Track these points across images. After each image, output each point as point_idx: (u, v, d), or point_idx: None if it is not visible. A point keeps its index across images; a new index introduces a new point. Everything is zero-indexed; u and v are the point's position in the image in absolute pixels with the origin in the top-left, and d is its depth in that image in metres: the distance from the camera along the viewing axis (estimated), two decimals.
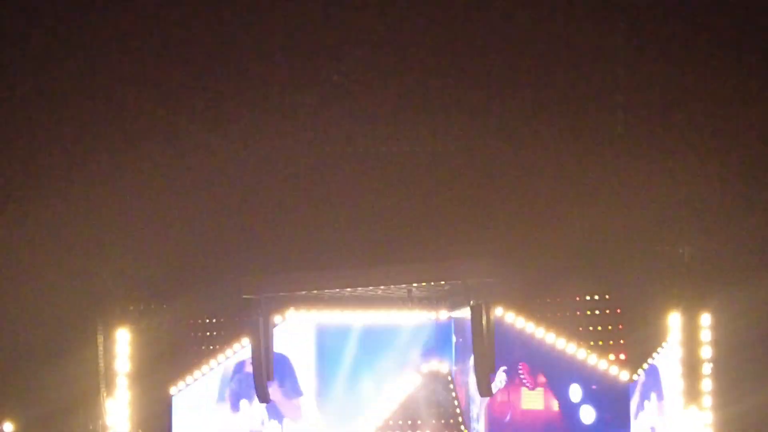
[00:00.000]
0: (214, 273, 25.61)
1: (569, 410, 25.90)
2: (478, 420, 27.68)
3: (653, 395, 25.28)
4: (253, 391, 27.96)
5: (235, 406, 28.92)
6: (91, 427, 26.70)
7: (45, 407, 26.36)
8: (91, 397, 25.74)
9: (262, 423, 28.42)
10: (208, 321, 29.07)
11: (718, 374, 22.98)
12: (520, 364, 26.72)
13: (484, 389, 25.71)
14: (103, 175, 25.00)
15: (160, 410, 27.72)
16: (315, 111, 25.89)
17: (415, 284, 26.64)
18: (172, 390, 28.47)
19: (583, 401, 25.69)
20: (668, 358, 24.07)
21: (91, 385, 25.51)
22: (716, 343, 23.03)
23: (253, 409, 28.49)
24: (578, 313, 26.44)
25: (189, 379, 28.59)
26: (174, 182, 25.60)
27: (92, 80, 25.69)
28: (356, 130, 25.46)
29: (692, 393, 22.69)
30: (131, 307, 25.97)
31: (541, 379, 26.43)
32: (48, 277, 24.93)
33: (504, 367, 26.80)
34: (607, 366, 25.60)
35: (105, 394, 25.20)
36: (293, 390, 28.30)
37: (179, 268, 25.68)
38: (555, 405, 26.19)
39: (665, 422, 24.45)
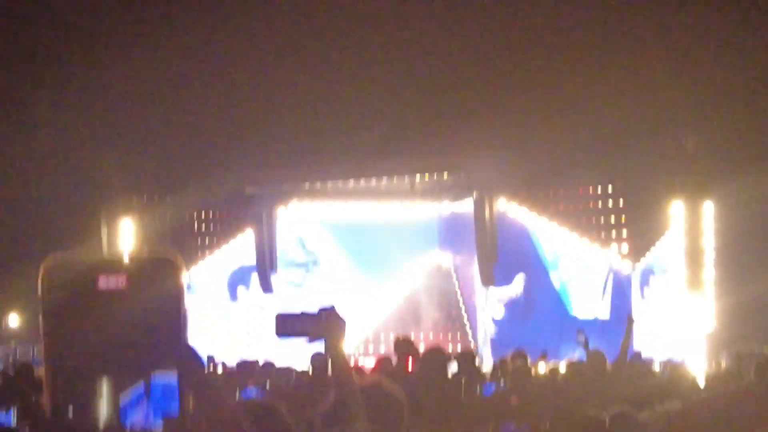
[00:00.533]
0: (217, 166, 25.58)
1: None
2: (483, 310, 27.85)
3: (655, 284, 25.41)
4: (250, 279, 28.20)
5: (233, 295, 29.14)
6: None
7: None
8: None
9: (262, 308, 28.63)
10: (211, 214, 29.21)
11: (720, 263, 23.05)
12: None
13: (487, 279, 25.87)
14: (107, 67, 24.82)
15: None
16: None
17: (418, 176, 26.66)
18: None
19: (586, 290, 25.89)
20: (670, 247, 24.12)
21: None
22: (718, 232, 23.07)
23: (250, 295, 28.71)
24: (581, 204, 26.52)
25: (193, 269, 28.74)
26: (177, 74, 25.45)
27: None
28: (362, 17, 25.22)
29: (694, 282, 22.76)
30: (134, 199, 25.99)
31: None
32: (52, 170, 24.91)
33: (523, 274, 27.06)
34: (610, 256, 25.72)
35: None
36: None
37: (182, 161, 25.66)
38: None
39: (667, 311, 24.56)
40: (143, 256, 1.76)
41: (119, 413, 1.71)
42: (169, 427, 1.68)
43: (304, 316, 4.91)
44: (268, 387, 11.46)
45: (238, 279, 28.98)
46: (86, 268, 1.75)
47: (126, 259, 1.78)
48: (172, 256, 1.73)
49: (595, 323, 24.36)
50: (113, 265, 1.75)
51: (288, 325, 4.88)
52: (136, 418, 1.70)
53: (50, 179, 24.65)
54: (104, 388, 1.72)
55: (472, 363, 11.55)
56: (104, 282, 1.76)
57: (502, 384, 5.26)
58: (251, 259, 27.88)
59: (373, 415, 4.63)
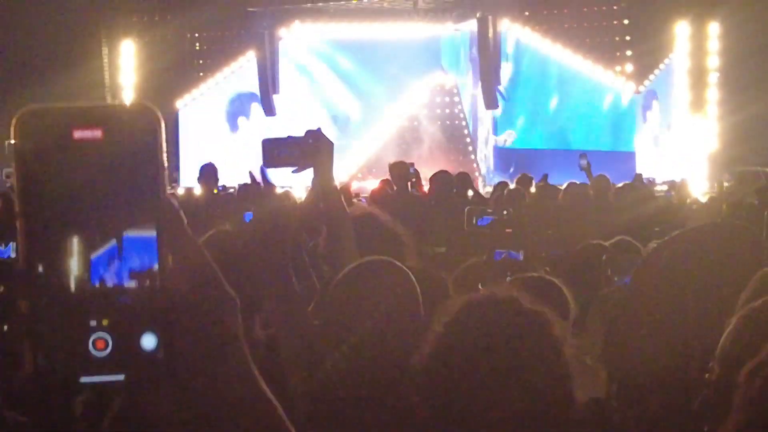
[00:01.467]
0: None
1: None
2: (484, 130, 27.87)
3: (657, 106, 25.37)
4: (250, 109, 28.18)
5: (233, 126, 29.12)
6: None
7: None
8: None
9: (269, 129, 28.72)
10: (213, 33, 28.97)
11: (724, 83, 22.95)
12: None
13: (490, 101, 25.80)
14: None
15: (166, 123, 27.77)
16: None
17: None
18: (178, 103, 28.61)
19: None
20: (674, 68, 23.98)
21: (97, 97, 25.52)
22: (723, 53, 22.90)
23: (250, 125, 28.68)
24: (585, 24, 26.26)
25: (195, 92, 28.69)
26: None
27: None
28: None
29: (698, 102, 22.71)
30: (135, 19, 25.75)
31: None
32: None
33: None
34: (613, 77, 25.60)
35: None
36: None
37: None
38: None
39: (670, 132, 24.58)
40: (121, 107, 1.74)
41: (90, 271, 1.72)
42: (140, 283, 1.69)
43: (290, 141, 4.88)
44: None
45: (237, 108, 28.90)
46: (61, 117, 1.74)
47: (103, 109, 1.77)
48: (151, 108, 1.72)
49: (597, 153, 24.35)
50: (89, 115, 1.74)
51: (275, 153, 4.85)
52: (107, 275, 1.70)
53: (49, 2, 24.36)
54: (75, 244, 1.73)
55: (469, 186, 11.65)
56: (79, 132, 1.75)
57: (504, 213, 5.28)
58: (250, 86, 27.77)
59: (367, 247, 4.57)
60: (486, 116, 27.48)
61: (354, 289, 3.63)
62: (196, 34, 28.33)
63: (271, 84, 27.32)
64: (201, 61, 28.81)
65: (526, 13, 26.31)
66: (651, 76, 25.36)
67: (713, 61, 22.77)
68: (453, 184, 11.62)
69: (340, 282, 3.71)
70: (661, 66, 25.14)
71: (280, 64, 27.81)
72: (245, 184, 18.49)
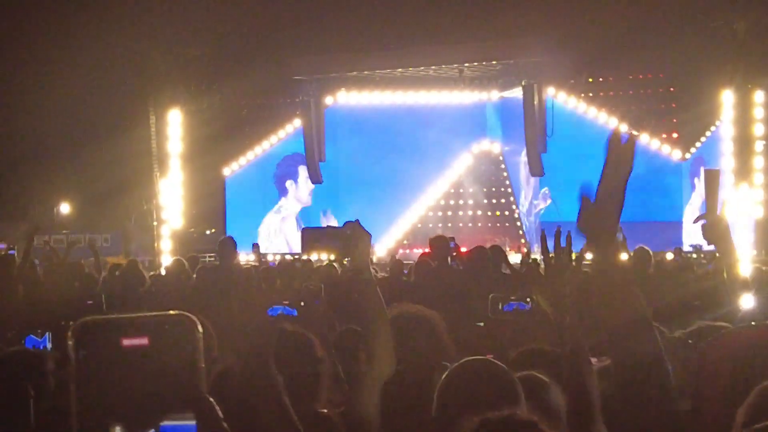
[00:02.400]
0: (265, 54, 25.46)
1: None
2: (527, 198, 27.82)
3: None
4: (297, 171, 28.35)
5: (282, 190, 29.31)
6: (145, 207, 27.16)
7: (99, 187, 26.79)
8: (145, 177, 26.06)
9: (309, 199, 28.89)
10: (259, 102, 29.23)
11: None
12: None
13: (536, 168, 25.78)
14: None
15: (213, 190, 28.14)
16: None
17: (466, 64, 26.49)
18: (225, 171, 28.85)
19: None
20: (721, 136, 23.87)
21: (144, 165, 25.78)
22: None
23: (299, 187, 28.88)
24: (630, 92, 26.27)
25: (242, 160, 28.91)
26: None
27: None
28: None
29: (744, 170, 22.56)
30: (182, 88, 25.99)
31: None
32: (100, 59, 24.93)
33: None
34: (660, 145, 25.54)
35: (158, 174, 25.47)
36: None
37: (231, 49, 25.55)
38: None
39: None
40: (164, 317, 1.96)
41: None
42: None
43: (329, 231, 4.93)
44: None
45: (285, 171, 29.09)
46: (112, 327, 1.96)
47: (148, 319, 1.99)
48: (190, 317, 1.95)
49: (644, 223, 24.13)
50: (137, 325, 1.96)
51: (313, 242, 4.91)
52: None
53: (99, 69, 24.69)
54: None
55: (503, 259, 11.58)
56: (128, 341, 1.97)
57: (527, 300, 5.22)
58: (297, 148, 27.98)
59: (406, 344, 4.53)
60: (530, 185, 27.47)
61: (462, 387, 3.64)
62: (243, 102, 28.55)
63: (317, 151, 27.47)
64: (248, 129, 29.02)
65: (572, 81, 26.32)
66: (697, 144, 25.29)
67: (759, 128, 22.64)
68: (488, 259, 11.59)
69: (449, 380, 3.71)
70: (707, 133, 25.07)
71: (326, 132, 27.96)
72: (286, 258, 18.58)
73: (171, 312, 2.05)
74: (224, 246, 12.73)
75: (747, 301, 6.04)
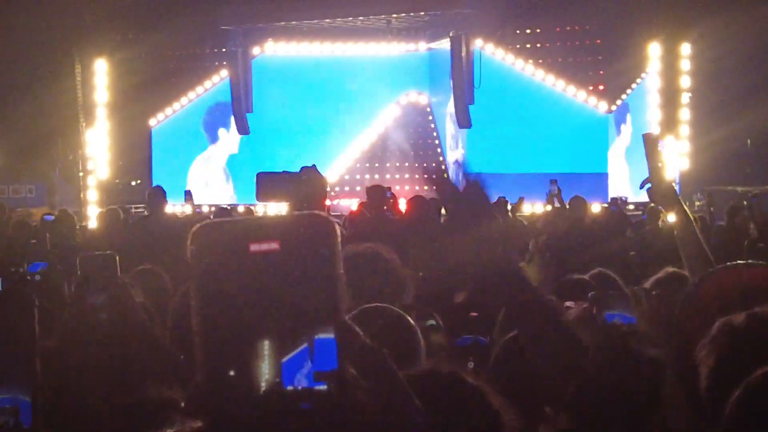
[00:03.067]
0: (192, 3, 25.21)
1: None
2: (456, 147, 27.87)
3: (630, 122, 25.49)
4: (229, 121, 28.17)
5: (213, 137, 29.11)
6: (71, 157, 26.89)
7: (24, 138, 26.39)
8: (70, 128, 25.77)
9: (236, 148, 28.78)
10: (186, 52, 28.95)
11: (696, 104, 23.10)
12: None
13: (463, 120, 25.86)
14: None
15: (139, 141, 27.88)
16: None
17: (394, 15, 26.45)
18: (152, 121, 28.58)
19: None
20: (647, 88, 24.12)
21: (70, 115, 25.49)
22: (694, 73, 23.05)
23: (230, 136, 28.71)
24: (558, 43, 26.41)
25: (168, 110, 28.64)
26: None
27: None
28: None
29: (670, 123, 22.83)
30: (109, 38, 25.67)
31: None
32: (23, 10, 24.49)
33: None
34: (586, 97, 25.73)
35: (84, 125, 25.19)
36: None
37: None
38: None
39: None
40: (295, 218, 1.78)
41: (281, 375, 1.76)
42: (327, 387, 1.73)
43: (285, 176, 4.90)
44: None
45: (217, 119, 28.87)
46: (237, 231, 1.77)
47: (277, 221, 1.80)
48: (325, 217, 1.75)
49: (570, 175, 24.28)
50: (265, 228, 1.77)
51: (270, 187, 4.88)
52: (299, 378, 1.75)
53: (23, 18, 24.24)
54: (265, 350, 1.76)
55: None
56: (256, 246, 1.78)
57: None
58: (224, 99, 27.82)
59: (368, 285, 4.53)
60: (459, 136, 27.53)
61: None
62: (169, 53, 28.27)
63: (245, 102, 27.33)
64: (174, 79, 28.73)
65: (499, 33, 26.39)
66: (623, 96, 25.51)
67: (685, 81, 22.91)
68: (428, 209, 11.67)
69: None
70: (634, 86, 25.30)
71: (253, 82, 27.80)
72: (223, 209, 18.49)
73: (304, 214, 1.89)
74: (154, 196, 12.67)
75: None
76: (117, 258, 3.70)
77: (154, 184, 27.76)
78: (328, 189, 4.49)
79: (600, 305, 4.80)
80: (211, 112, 28.87)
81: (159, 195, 12.57)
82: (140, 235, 11.62)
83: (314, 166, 4.71)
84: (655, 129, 23.20)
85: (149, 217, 12.85)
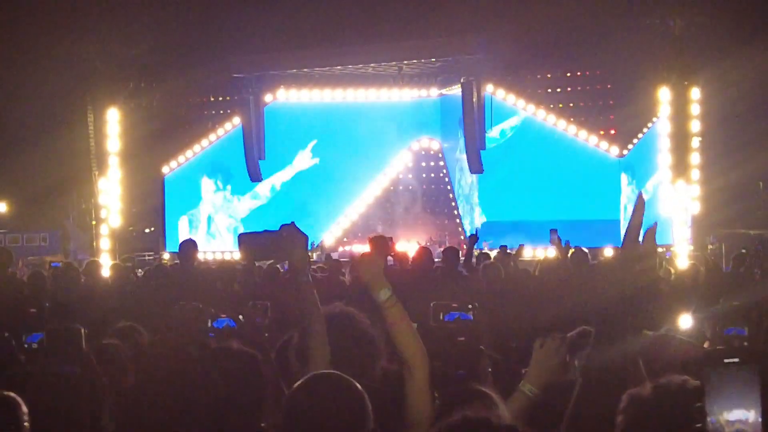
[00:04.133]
0: (204, 52, 25.34)
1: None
2: (470, 194, 27.88)
3: (642, 170, 25.49)
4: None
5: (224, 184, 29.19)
6: (84, 206, 27.00)
7: (38, 187, 26.53)
8: (83, 176, 25.87)
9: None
10: (198, 100, 29.12)
11: (706, 147, 23.05)
12: None
13: (475, 165, 25.88)
14: None
15: (152, 189, 27.96)
16: None
17: (405, 61, 26.54)
18: (164, 169, 28.67)
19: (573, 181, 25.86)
20: (658, 132, 24.08)
21: (82, 164, 25.59)
22: (704, 117, 23.01)
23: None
24: (568, 89, 26.45)
25: (181, 158, 28.74)
26: None
27: None
28: None
29: (680, 167, 22.78)
30: (121, 86, 25.82)
31: None
32: (36, 59, 24.65)
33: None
34: (597, 141, 25.72)
35: (97, 173, 25.30)
36: None
37: (169, 47, 25.38)
38: None
39: (654, 196, 24.61)
40: None
41: None
42: None
43: (266, 235, 4.91)
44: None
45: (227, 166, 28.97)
46: None
47: None
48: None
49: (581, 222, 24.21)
50: None
51: (251, 247, 4.90)
52: None
53: (37, 67, 24.40)
54: None
55: (456, 258, 11.65)
56: None
57: (469, 307, 5.22)
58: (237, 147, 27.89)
59: (341, 346, 4.55)
60: (472, 180, 27.56)
61: (304, 403, 3.63)
62: (182, 101, 28.43)
63: (257, 149, 27.39)
64: (187, 127, 28.87)
65: (510, 78, 26.45)
66: (635, 140, 25.49)
67: (695, 125, 22.87)
68: (433, 261, 11.67)
69: (293, 395, 3.71)
70: (645, 130, 25.28)
71: (266, 130, 27.88)
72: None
73: None
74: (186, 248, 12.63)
75: (685, 321, 6.13)
76: (82, 331, 3.79)
77: (167, 231, 28.01)
78: (310, 245, 4.51)
79: (580, 354, 4.78)
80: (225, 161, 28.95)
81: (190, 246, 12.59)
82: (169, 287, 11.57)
83: (293, 223, 4.72)
84: (666, 173, 23.19)
85: (180, 267, 12.85)
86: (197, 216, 28.81)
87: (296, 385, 3.69)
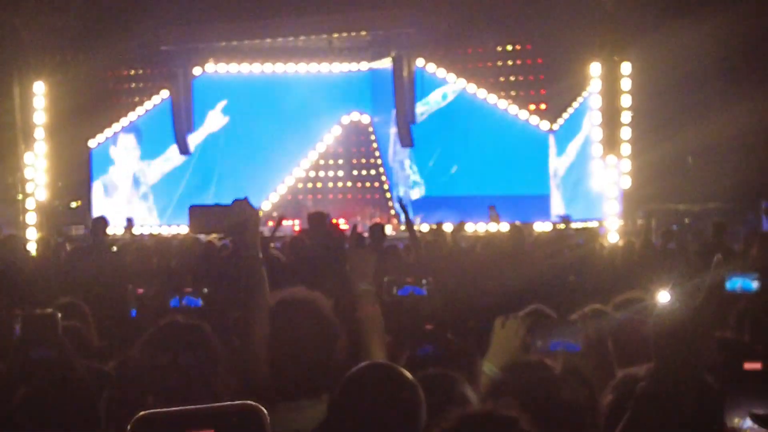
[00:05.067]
0: (132, 24, 25.01)
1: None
2: (402, 168, 27.86)
3: (571, 145, 25.63)
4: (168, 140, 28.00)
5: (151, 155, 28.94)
6: (10, 180, 26.51)
7: None
8: (10, 149, 25.43)
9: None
10: (126, 73, 28.80)
11: (637, 123, 23.15)
12: None
13: (405, 139, 25.88)
14: None
15: (79, 162, 27.62)
16: None
17: (336, 34, 26.41)
18: (91, 143, 28.34)
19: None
20: (589, 107, 24.18)
21: (9, 137, 25.16)
22: (635, 92, 23.10)
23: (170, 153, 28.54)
24: (499, 63, 26.48)
25: (108, 131, 28.43)
26: None
27: None
28: None
29: (611, 141, 22.86)
30: (47, 59, 25.39)
31: None
32: None
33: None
34: (528, 116, 25.80)
35: (23, 147, 24.89)
36: None
37: (97, 18, 25.04)
38: None
39: (584, 171, 24.76)
40: (229, 408, 1.82)
41: None
42: None
43: (217, 209, 4.82)
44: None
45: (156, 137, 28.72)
46: (174, 420, 1.81)
47: (212, 410, 1.84)
48: (257, 407, 1.81)
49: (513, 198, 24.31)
50: (200, 417, 1.81)
51: (202, 220, 4.81)
52: None
53: None
54: None
55: (382, 234, 11.63)
56: None
57: (423, 282, 5.19)
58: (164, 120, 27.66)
59: (303, 330, 4.47)
60: (403, 155, 27.52)
61: (360, 394, 3.59)
62: (110, 74, 28.10)
63: (186, 123, 27.18)
64: (114, 100, 28.57)
65: (440, 52, 26.41)
66: (565, 114, 25.60)
67: (626, 100, 22.94)
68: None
69: (347, 385, 3.64)
70: (575, 104, 25.39)
71: (194, 103, 27.67)
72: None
73: (237, 402, 1.92)
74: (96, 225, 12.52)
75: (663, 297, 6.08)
76: (59, 316, 3.78)
77: (94, 205, 27.69)
78: (261, 218, 4.45)
79: (541, 334, 4.74)
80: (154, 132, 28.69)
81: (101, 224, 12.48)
82: (83, 267, 11.44)
83: (246, 198, 4.64)
84: (597, 147, 23.27)
85: (92, 246, 12.72)
86: (111, 181, 28.60)
87: (350, 374, 3.62)
